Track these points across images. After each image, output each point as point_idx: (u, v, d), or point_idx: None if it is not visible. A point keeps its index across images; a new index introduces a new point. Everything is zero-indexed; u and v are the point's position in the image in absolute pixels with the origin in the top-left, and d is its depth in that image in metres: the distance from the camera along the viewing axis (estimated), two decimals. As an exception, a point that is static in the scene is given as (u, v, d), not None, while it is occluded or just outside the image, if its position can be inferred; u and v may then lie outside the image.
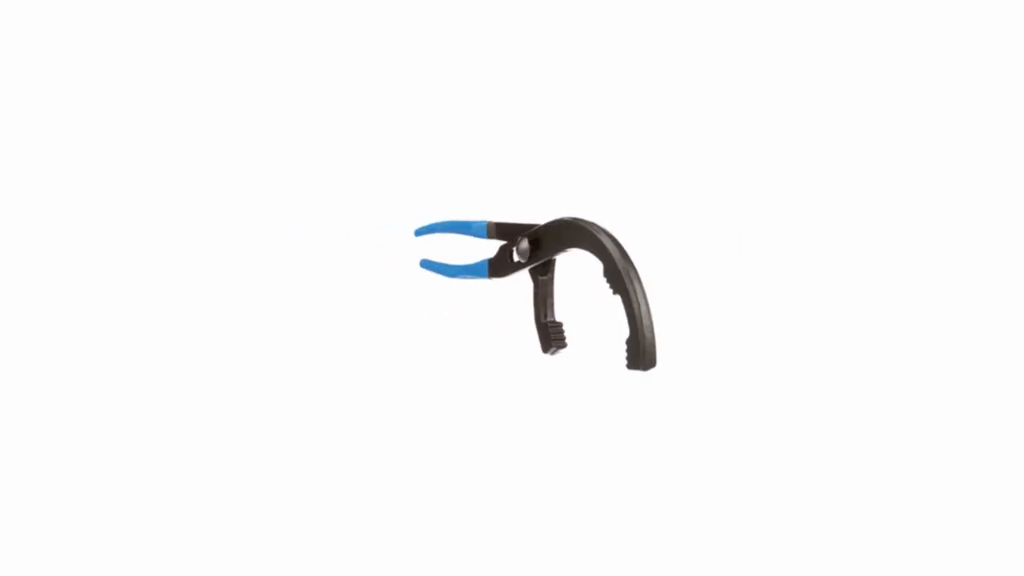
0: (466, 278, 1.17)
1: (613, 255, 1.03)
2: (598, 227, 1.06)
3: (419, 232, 1.20)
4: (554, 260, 1.13)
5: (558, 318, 1.13)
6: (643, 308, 1.00)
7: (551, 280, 1.13)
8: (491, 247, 1.15)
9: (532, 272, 1.14)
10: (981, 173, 1.24)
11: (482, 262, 1.16)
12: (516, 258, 1.13)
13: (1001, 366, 1.14)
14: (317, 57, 1.27)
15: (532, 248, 1.12)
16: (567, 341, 1.13)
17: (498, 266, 1.14)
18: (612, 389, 1.10)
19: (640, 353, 1.00)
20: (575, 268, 1.12)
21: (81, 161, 1.24)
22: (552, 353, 1.13)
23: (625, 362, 1.02)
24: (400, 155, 1.26)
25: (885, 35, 1.26)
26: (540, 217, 1.13)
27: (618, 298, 1.02)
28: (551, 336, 1.12)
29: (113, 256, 1.22)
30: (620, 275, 1.02)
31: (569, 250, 1.08)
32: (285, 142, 1.26)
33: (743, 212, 1.21)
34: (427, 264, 1.20)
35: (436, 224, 1.19)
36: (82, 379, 1.17)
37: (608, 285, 1.03)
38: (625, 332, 1.02)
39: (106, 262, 1.21)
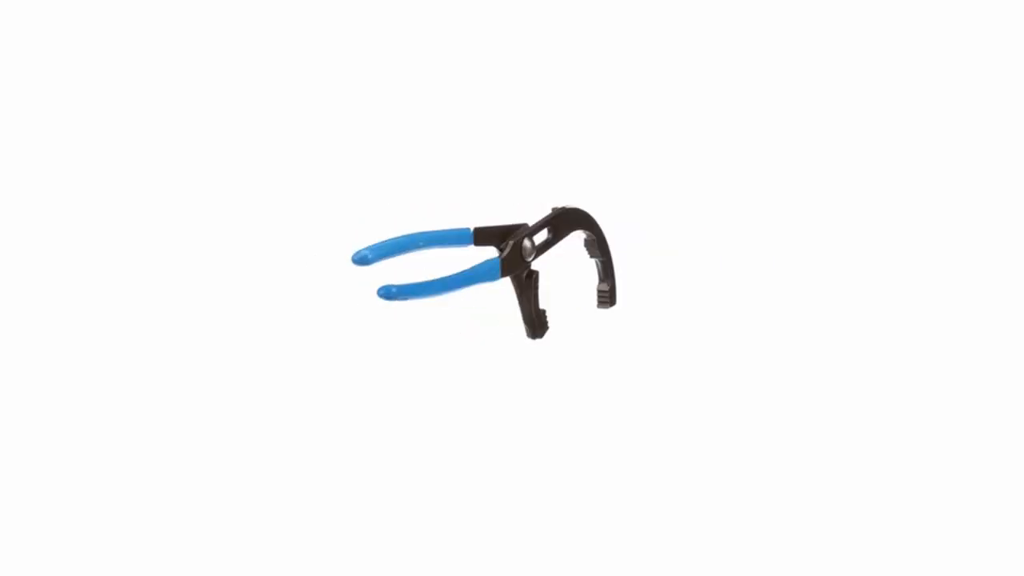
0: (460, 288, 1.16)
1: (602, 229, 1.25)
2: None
3: (376, 255, 1.10)
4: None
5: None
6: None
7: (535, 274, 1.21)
8: (460, 255, 1.16)
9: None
10: (981, 173, 1.28)
11: (491, 262, 1.18)
12: (524, 257, 1.19)
13: (1001, 366, 1.17)
14: (284, 61, 1.27)
15: (533, 244, 1.20)
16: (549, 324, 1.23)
17: (511, 265, 1.19)
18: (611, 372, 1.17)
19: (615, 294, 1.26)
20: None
21: (75, 161, 1.22)
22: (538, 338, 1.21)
23: (600, 304, 1.26)
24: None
25: (885, 35, 1.30)
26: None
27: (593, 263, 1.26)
28: (542, 323, 1.21)
29: (101, 256, 1.20)
30: (607, 244, 1.25)
31: (571, 234, 1.24)
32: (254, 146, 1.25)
33: (713, 218, 1.24)
34: (406, 290, 1.11)
35: (402, 240, 1.12)
36: (74, 379, 1.15)
37: (594, 251, 1.25)
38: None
39: (97, 262, 1.20)
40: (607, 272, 1.26)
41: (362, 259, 1.09)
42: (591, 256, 1.26)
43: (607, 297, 1.26)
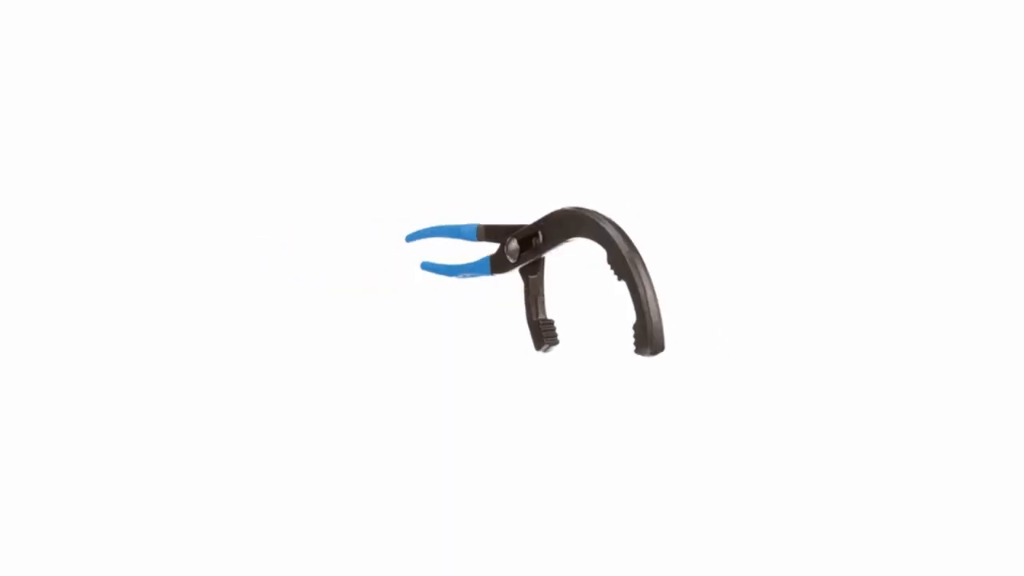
0: (468, 276, 1.18)
1: (617, 241, 1.01)
2: (601, 215, 1.05)
3: (411, 238, 1.23)
4: (543, 259, 1.14)
5: (550, 315, 1.15)
6: (649, 293, 0.99)
7: (541, 278, 1.14)
8: (483, 247, 1.17)
9: (522, 271, 1.15)
10: (981, 173, 1.25)
11: (483, 260, 1.17)
12: (508, 258, 1.15)
13: (1001, 366, 1.14)
14: (298, 58, 1.26)
15: (523, 247, 1.14)
16: (559, 338, 1.14)
17: (498, 263, 1.16)
18: (609, 384, 1.11)
19: (648, 337, 0.99)
20: (565, 265, 1.13)
21: (74, 162, 1.24)
22: (545, 350, 1.13)
23: (633, 347, 1.01)
24: (383, 157, 1.26)
25: (885, 35, 1.27)
26: (525, 216, 1.14)
27: (622, 285, 1.01)
28: (543, 333, 1.14)
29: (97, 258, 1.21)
30: (624, 261, 1.01)
31: (571, 240, 1.08)
32: (268, 144, 1.25)
33: (730, 213, 1.21)
34: (428, 266, 1.22)
35: (427, 229, 1.22)
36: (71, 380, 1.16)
37: (612, 272, 1.02)
38: (626, 322, 1.02)
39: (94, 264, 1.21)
40: (635, 301, 1.00)
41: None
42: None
43: (638, 338, 1.00)
